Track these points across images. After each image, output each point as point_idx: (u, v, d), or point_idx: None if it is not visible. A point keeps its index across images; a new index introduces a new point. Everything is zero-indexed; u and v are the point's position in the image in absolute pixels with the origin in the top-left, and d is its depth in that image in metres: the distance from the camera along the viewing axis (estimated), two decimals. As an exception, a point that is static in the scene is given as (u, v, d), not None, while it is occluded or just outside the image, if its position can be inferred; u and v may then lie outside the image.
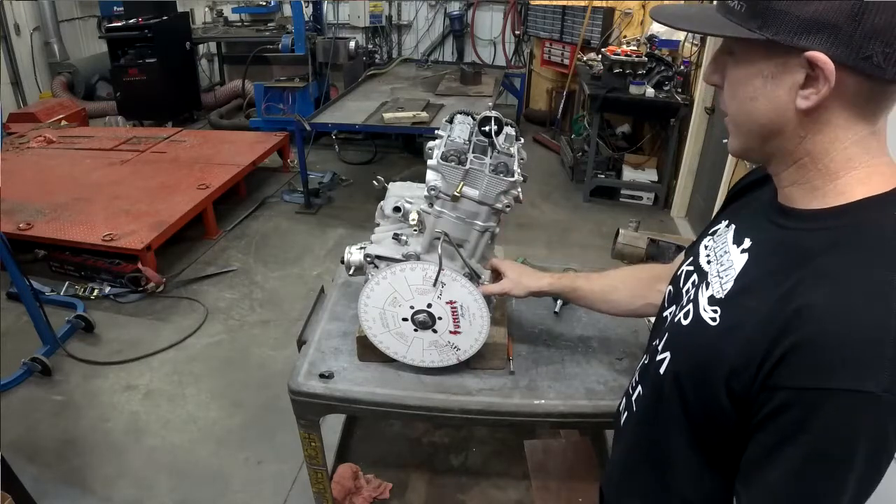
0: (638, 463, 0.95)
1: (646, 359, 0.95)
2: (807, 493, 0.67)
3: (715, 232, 0.89)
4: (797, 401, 0.64)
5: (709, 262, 0.85)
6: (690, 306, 0.83)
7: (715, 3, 0.75)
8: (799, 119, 0.69)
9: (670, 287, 0.96)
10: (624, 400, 1.04)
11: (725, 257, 0.81)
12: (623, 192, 4.81)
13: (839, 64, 0.63)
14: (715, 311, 0.77)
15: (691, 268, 0.90)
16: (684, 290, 0.89)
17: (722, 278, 0.79)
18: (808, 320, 0.64)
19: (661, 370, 0.85)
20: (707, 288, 0.81)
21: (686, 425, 0.81)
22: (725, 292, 0.77)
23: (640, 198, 4.78)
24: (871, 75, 0.63)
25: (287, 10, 6.61)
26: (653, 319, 1.59)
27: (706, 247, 0.89)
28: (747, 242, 0.79)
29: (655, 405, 0.88)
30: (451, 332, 1.36)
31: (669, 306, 0.93)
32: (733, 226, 0.85)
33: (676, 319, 0.86)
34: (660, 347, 0.88)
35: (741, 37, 0.68)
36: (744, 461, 0.72)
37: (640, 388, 0.96)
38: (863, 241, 0.67)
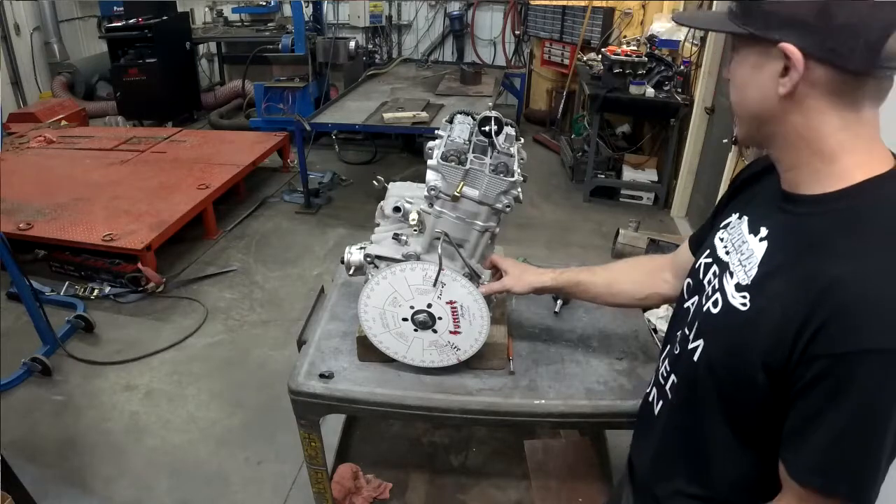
0: (674, 447, 1.00)
1: (676, 348, 1.00)
2: (851, 451, 0.73)
3: (727, 225, 0.95)
4: (835, 365, 0.70)
5: (727, 252, 0.91)
6: (718, 295, 0.88)
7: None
8: (782, 104, 0.77)
9: (689, 280, 1.02)
10: (654, 390, 1.08)
11: (745, 247, 0.87)
12: (623, 192, 4.81)
13: (808, 55, 0.72)
14: (744, 297, 0.83)
15: (710, 260, 0.95)
16: (706, 282, 0.94)
17: (745, 266, 0.85)
18: (836, 293, 0.70)
19: (695, 357, 0.91)
20: (731, 277, 0.87)
21: (721, 407, 0.87)
22: (751, 278, 0.83)
23: (640, 198, 4.78)
24: (838, 66, 0.72)
25: (287, 10, 6.60)
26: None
27: (721, 239, 0.95)
28: (763, 231, 0.85)
29: (690, 391, 0.93)
30: (451, 332, 1.36)
31: (690, 297, 0.98)
32: (745, 217, 0.91)
33: (705, 309, 0.91)
34: (690, 336, 0.93)
35: (729, 31, 0.79)
36: (787, 430, 0.78)
37: (673, 376, 1.00)
38: (872, 217, 0.74)
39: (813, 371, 0.72)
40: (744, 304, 0.82)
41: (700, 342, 0.90)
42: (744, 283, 0.84)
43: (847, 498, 0.76)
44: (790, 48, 0.72)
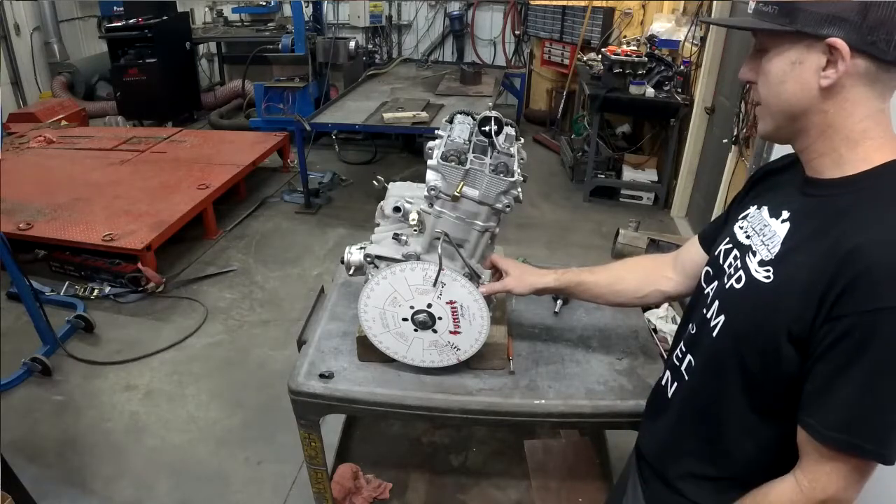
0: (689, 427, 1.03)
1: (692, 329, 1.04)
2: (874, 406, 0.77)
3: (746, 215, 1.00)
4: (859, 323, 0.75)
5: (748, 236, 0.96)
6: (741, 272, 0.93)
7: (751, 12, 0.91)
8: (821, 96, 0.83)
9: (708, 268, 1.05)
10: (668, 373, 1.11)
11: (767, 229, 0.92)
12: (623, 192, 4.81)
13: (852, 48, 0.78)
14: (767, 271, 0.88)
15: (730, 245, 1.00)
16: (726, 265, 0.98)
17: (768, 245, 0.90)
18: (858, 259, 0.76)
19: (714, 333, 0.95)
20: (754, 255, 0.92)
21: (741, 382, 0.91)
22: (774, 254, 0.88)
23: (640, 198, 4.78)
24: (877, 58, 0.79)
25: (287, 10, 6.61)
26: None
27: (741, 227, 0.99)
28: (786, 213, 0.91)
29: (709, 369, 0.97)
30: (451, 332, 1.36)
31: (710, 283, 1.02)
32: (765, 206, 0.96)
33: (727, 286, 0.95)
34: (710, 315, 0.97)
35: (779, 29, 0.84)
36: (807, 393, 0.82)
37: (689, 357, 1.03)
38: (892, 194, 0.80)
39: (837, 331, 0.77)
40: (767, 277, 0.87)
41: (721, 318, 0.94)
42: (767, 259, 0.88)
43: (872, 454, 0.79)
44: (839, 42, 0.78)
